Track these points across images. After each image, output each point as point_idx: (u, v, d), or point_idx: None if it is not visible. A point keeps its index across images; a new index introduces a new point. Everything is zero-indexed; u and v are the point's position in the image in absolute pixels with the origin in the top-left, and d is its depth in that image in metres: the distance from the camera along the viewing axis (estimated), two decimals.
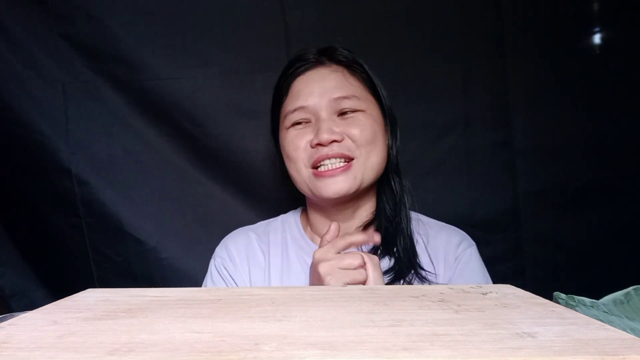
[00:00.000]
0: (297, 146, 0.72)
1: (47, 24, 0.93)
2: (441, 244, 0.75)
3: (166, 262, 0.96)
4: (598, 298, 0.52)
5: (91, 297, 0.46)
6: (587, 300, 0.51)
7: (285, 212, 0.86)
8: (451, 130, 0.98)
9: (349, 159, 0.71)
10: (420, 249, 0.74)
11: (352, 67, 0.75)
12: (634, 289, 0.53)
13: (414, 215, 0.78)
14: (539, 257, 0.99)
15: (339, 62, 0.75)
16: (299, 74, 0.75)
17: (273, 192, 0.98)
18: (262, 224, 0.84)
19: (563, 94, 0.97)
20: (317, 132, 0.70)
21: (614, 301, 0.52)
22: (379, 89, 0.76)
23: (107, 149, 0.96)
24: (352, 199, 0.74)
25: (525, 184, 0.98)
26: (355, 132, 0.71)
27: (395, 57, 0.96)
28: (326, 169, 0.71)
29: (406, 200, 0.75)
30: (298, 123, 0.73)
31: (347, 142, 0.71)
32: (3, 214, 1.02)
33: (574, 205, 0.99)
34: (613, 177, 0.98)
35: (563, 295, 0.51)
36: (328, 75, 0.73)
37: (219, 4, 0.95)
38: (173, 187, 0.98)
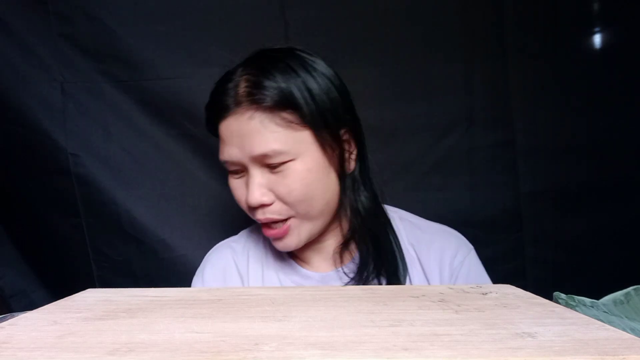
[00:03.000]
0: (239, 200, 0.68)
1: (47, 24, 0.93)
2: (435, 260, 0.70)
3: (166, 262, 0.96)
4: (598, 298, 0.52)
5: (91, 297, 0.46)
6: (587, 300, 0.51)
7: None
8: (452, 130, 0.98)
9: (287, 219, 0.66)
10: (412, 263, 0.70)
11: (273, 104, 0.62)
12: (634, 289, 0.53)
13: (405, 217, 0.75)
14: (540, 258, 0.99)
15: (256, 104, 0.62)
16: (220, 118, 0.66)
17: None
18: (244, 233, 0.80)
19: (565, 94, 0.97)
20: (247, 193, 0.65)
21: (614, 301, 0.52)
22: (310, 119, 0.63)
23: (106, 149, 0.96)
24: (319, 233, 0.70)
25: (527, 184, 0.98)
26: (284, 193, 0.64)
27: (396, 56, 0.96)
28: (268, 230, 0.67)
29: (377, 211, 0.70)
30: (234, 171, 0.68)
31: (277, 205, 0.65)
32: (3, 214, 1.02)
33: (576, 206, 0.99)
34: (615, 177, 0.98)
35: (563, 295, 0.51)
36: (245, 125, 0.63)
37: (219, 3, 0.95)
38: (173, 186, 0.98)
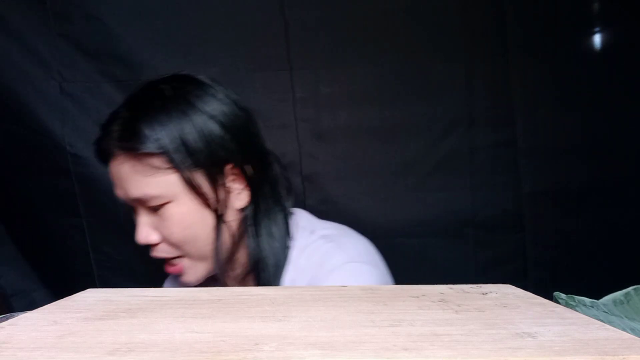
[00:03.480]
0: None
1: (46, 23, 0.93)
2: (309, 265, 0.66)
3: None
4: (598, 298, 0.52)
5: (91, 297, 0.46)
6: (587, 300, 0.51)
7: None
8: (453, 130, 0.98)
9: (175, 259, 0.66)
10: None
11: (143, 150, 0.61)
12: (634, 289, 0.53)
13: (305, 225, 0.71)
14: (541, 258, 0.99)
15: (123, 149, 0.63)
16: (104, 160, 0.67)
17: None
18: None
19: (567, 94, 0.97)
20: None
21: (614, 301, 0.52)
22: (178, 162, 0.62)
23: None
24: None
25: (528, 184, 0.98)
26: (168, 234, 0.64)
27: (397, 56, 0.96)
28: (167, 265, 0.67)
29: (277, 242, 0.68)
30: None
31: (164, 245, 0.65)
32: (3, 213, 1.02)
33: (577, 206, 0.99)
34: (616, 177, 0.98)
35: (563, 295, 0.51)
36: (120, 170, 0.63)
37: (218, 3, 0.95)
38: None
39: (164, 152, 0.62)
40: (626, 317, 0.50)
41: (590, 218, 0.98)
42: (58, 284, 1.02)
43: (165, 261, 0.68)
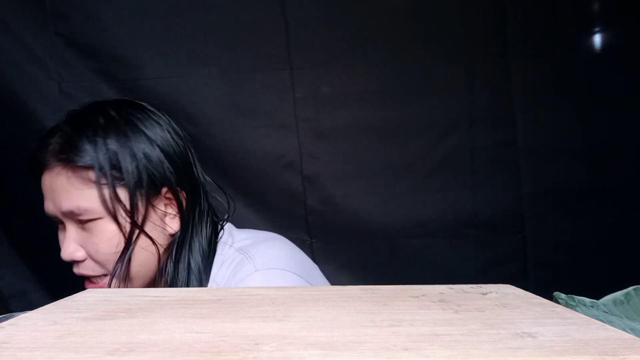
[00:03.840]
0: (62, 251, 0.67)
1: (44, 23, 0.93)
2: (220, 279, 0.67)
3: None
4: (598, 298, 0.52)
5: (91, 297, 0.46)
6: (587, 300, 0.51)
7: (283, 211, 0.86)
8: (454, 130, 0.98)
9: (98, 278, 0.66)
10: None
11: (75, 165, 0.63)
12: (634, 289, 0.53)
13: (226, 239, 0.72)
14: (541, 258, 0.99)
15: (61, 163, 0.64)
16: (38, 172, 0.67)
17: (272, 192, 0.97)
18: None
19: (567, 94, 0.97)
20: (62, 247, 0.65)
21: (614, 301, 0.52)
22: (107, 180, 0.63)
23: None
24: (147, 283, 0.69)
25: (529, 185, 0.98)
26: (93, 251, 0.64)
27: (397, 55, 0.96)
28: (88, 282, 0.67)
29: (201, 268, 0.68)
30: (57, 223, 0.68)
31: (89, 262, 0.65)
32: (2, 214, 1.02)
33: (577, 206, 0.99)
34: (616, 177, 0.98)
35: (563, 295, 0.51)
36: (53, 181, 0.64)
37: (218, 3, 0.95)
38: None
39: (100, 168, 0.63)
40: (626, 317, 0.50)
41: (590, 218, 0.98)
42: (57, 284, 1.02)
43: (86, 278, 0.67)
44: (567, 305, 0.50)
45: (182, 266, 0.67)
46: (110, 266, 0.65)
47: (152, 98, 0.94)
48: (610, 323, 0.39)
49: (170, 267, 0.67)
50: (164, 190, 0.67)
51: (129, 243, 0.64)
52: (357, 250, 0.98)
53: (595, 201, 0.98)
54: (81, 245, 0.65)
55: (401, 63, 0.96)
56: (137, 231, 0.65)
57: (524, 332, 0.32)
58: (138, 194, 0.64)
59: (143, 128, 0.66)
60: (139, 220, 0.65)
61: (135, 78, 0.94)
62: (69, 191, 0.63)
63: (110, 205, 0.64)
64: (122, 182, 0.64)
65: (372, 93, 0.96)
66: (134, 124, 0.66)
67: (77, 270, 0.66)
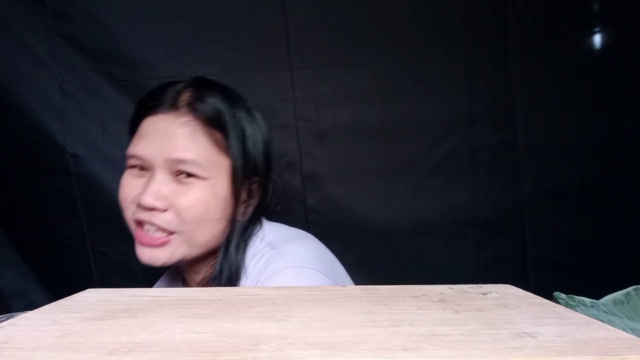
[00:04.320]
0: (126, 197, 0.66)
1: (46, 23, 0.93)
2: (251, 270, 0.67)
3: None
4: (598, 298, 0.52)
5: (91, 297, 0.46)
6: (587, 300, 0.51)
7: (283, 211, 0.85)
8: (454, 130, 0.98)
9: (170, 232, 0.64)
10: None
11: (210, 121, 0.65)
12: (634, 289, 0.53)
13: (258, 232, 0.71)
14: (541, 258, 0.99)
15: (195, 113, 0.65)
16: (149, 113, 0.66)
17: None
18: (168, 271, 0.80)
19: (567, 95, 0.97)
20: (143, 192, 0.63)
21: (614, 301, 0.52)
22: (231, 149, 0.66)
23: (106, 149, 0.96)
24: (192, 260, 0.68)
25: (529, 185, 0.98)
26: (182, 205, 0.63)
27: (397, 55, 0.96)
28: (145, 234, 0.65)
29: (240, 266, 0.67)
30: (138, 167, 0.67)
31: (169, 215, 0.63)
32: (3, 214, 1.02)
33: (577, 206, 0.99)
34: (616, 177, 0.98)
35: (563, 295, 0.51)
36: (176, 128, 0.64)
37: (218, 3, 0.95)
38: None
39: (227, 134, 0.66)
40: (626, 317, 0.50)
41: (590, 218, 0.98)
42: (57, 284, 1.02)
43: (140, 228, 0.65)
44: (567, 305, 0.50)
45: (233, 253, 0.67)
46: (189, 227, 0.64)
47: None
48: (610, 323, 0.39)
49: (223, 251, 0.68)
50: (255, 179, 0.69)
51: (218, 213, 0.65)
52: (357, 250, 0.98)
53: (595, 201, 0.98)
54: (166, 197, 0.63)
55: (401, 63, 0.96)
56: (229, 206, 0.66)
57: (524, 332, 0.33)
58: (242, 173, 0.67)
59: (255, 115, 0.70)
60: (233, 197, 0.66)
61: (136, 78, 0.94)
62: (189, 141, 0.64)
63: (218, 170, 0.65)
64: (235, 157, 0.66)
65: (372, 93, 0.96)
66: (252, 114, 0.70)
67: (150, 218, 0.64)
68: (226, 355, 0.29)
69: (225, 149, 0.66)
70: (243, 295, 0.46)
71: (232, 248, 0.67)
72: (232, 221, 0.68)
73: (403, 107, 0.97)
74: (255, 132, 0.69)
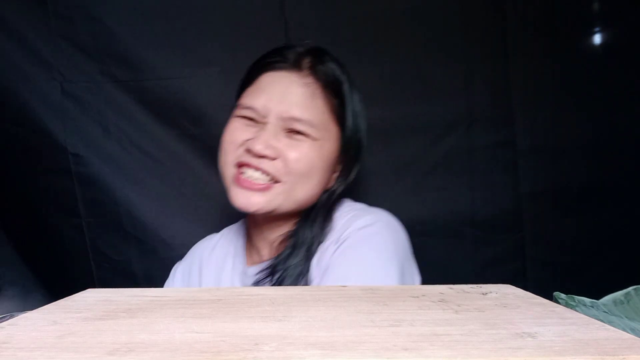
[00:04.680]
0: (233, 140, 0.67)
1: (47, 24, 0.93)
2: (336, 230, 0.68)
3: (167, 262, 0.96)
4: (598, 298, 0.52)
5: (91, 297, 0.46)
6: (587, 300, 0.51)
7: None
8: (453, 130, 0.98)
9: (273, 180, 0.66)
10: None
11: (329, 87, 0.67)
12: (634, 289, 0.53)
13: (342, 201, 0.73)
14: (540, 258, 0.99)
15: (316, 76, 0.67)
16: (270, 68, 0.68)
17: None
18: (224, 231, 0.82)
19: (566, 95, 0.97)
20: (254, 138, 0.65)
21: (614, 301, 0.52)
22: (347, 119, 0.69)
23: (107, 149, 0.96)
24: (282, 215, 0.69)
25: (528, 185, 0.98)
26: (291, 157, 0.65)
27: (396, 55, 0.96)
28: (246, 178, 0.66)
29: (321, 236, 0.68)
30: (246, 117, 0.68)
31: (278, 163, 0.65)
32: (3, 214, 1.02)
33: (576, 206, 0.99)
34: (615, 177, 0.98)
35: (563, 295, 0.51)
36: (297, 87, 0.66)
37: (219, 3, 0.95)
38: (174, 186, 0.98)
39: (342, 101, 0.69)
40: (626, 317, 0.50)
41: (590, 218, 0.98)
42: (57, 284, 1.02)
43: (241, 173, 0.66)
44: (567, 305, 0.50)
45: (318, 220, 0.69)
46: (291, 178, 0.66)
47: (153, 98, 0.95)
48: (610, 323, 0.39)
49: (305, 215, 0.69)
50: (351, 152, 0.72)
51: (321, 173, 0.68)
52: None
53: (594, 201, 0.98)
54: (276, 147, 0.65)
55: (400, 63, 0.96)
56: (328, 170, 0.69)
57: (524, 332, 0.33)
58: (349, 141, 0.70)
59: (361, 98, 0.72)
60: (334, 162, 0.69)
61: (137, 79, 0.94)
62: (309, 102, 0.66)
63: (330, 134, 0.68)
64: (344, 125, 0.69)
65: (371, 93, 0.96)
66: (356, 87, 0.72)
67: (257, 163, 0.65)
68: (226, 355, 0.29)
69: (338, 116, 0.68)
70: (243, 295, 0.46)
71: (318, 214, 0.69)
72: (325, 188, 0.70)
73: (402, 107, 0.97)
74: (363, 110, 0.72)
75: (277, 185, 0.66)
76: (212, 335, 0.33)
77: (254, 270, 0.71)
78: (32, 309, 0.41)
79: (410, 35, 0.97)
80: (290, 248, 0.68)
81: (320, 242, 0.67)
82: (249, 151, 0.65)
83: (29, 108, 0.93)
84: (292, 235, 0.69)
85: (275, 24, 0.95)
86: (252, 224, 0.74)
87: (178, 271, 0.80)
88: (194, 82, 0.95)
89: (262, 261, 0.72)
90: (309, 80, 0.67)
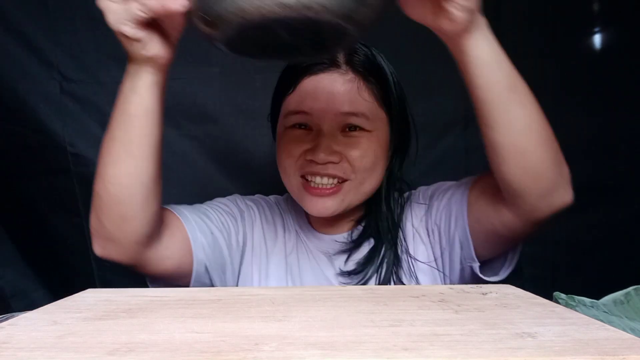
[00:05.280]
0: (291, 153, 0.68)
1: (46, 23, 0.93)
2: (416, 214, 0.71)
3: None
4: (598, 298, 0.52)
5: (91, 297, 0.46)
6: (587, 300, 0.51)
7: None
8: (450, 130, 0.98)
9: (341, 180, 0.67)
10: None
11: (370, 75, 0.68)
12: (634, 289, 0.53)
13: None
14: (538, 257, 0.99)
15: (356, 70, 0.67)
16: (310, 72, 0.68)
17: (273, 191, 0.97)
18: (276, 198, 0.82)
19: (563, 94, 0.97)
20: (315, 147, 0.65)
21: (614, 301, 0.52)
22: (394, 104, 0.69)
23: None
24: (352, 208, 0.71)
25: None
26: (355, 156, 0.66)
27: (395, 55, 0.95)
28: (315, 186, 0.66)
29: (395, 216, 0.71)
30: (298, 126, 0.68)
31: (344, 164, 0.66)
32: (3, 214, 1.02)
33: (576, 205, 0.98)
34: (613, 176, 0.98)
35: (563, 295, 0.51)
36: (341, 84, 0.66)
37: None
38: (173, 186, 0.97)
39: (385, 83, 0.69)
40: (626, 317, 0.50)
41: (589, 217, 0.98)
42: (58, 284, 1.02)
43: (308, 181, 0.67)
44: (567, 305, 0.50)
45: (389, 205, 0.72)
46: (358, 174, 0.66)
47: None
48: (610, 323, 0.39)
49: (387, 204, 0.71)
50: (402, 127, 0.72)
51: (384, 161, 0.69)
52: None
53: (594, 201, 0.98)
54: (337, 151, 0.66)
55: (397, 63, 0.96)
56: (386, 155, 0.70)
57: (524, 332, 0.33)
58: (396, 123, 0.70)
59: (390, 66, 0.73)
60: (390, 146, 0.70)
61: None
62: (356, 96, 0.66)
63: (381, 124, 0.68)
64: (391, 107, 0.70)
65: None
66: (385, 59, 0.72)
67: (323, 170, 0.66)
68: (226, 356, 0.29)
69: (384, 101, 0.69)
70: (243, 295, 0.46)
71: (387, 200, 0.71)
72: (388, 171, 0.71)
73: None
74: (398, 81, 0.72)
75: (345, 184, 0.67)
76: (212, 336, 0.33)
77: (330, 238, 0.72)
78: (32, 309, 0.41)
79: (409, 35, 0.96)
80: (371, 244, 0.70)
81: (399, 226, 0.70)
82: (311, 161, 0.66)
83: (29, 108, 0.93)
84: (365, 231, 0.71)
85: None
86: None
87: (239, 203, 0.77)
88: (194, 82, 0.95)
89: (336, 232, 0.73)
90: (350, 75, 0.67)
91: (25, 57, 0.93)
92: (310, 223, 0.74)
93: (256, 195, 0.80)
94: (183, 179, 0.98)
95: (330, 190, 0.66)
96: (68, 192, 0.95)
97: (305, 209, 0.68)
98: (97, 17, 0.96)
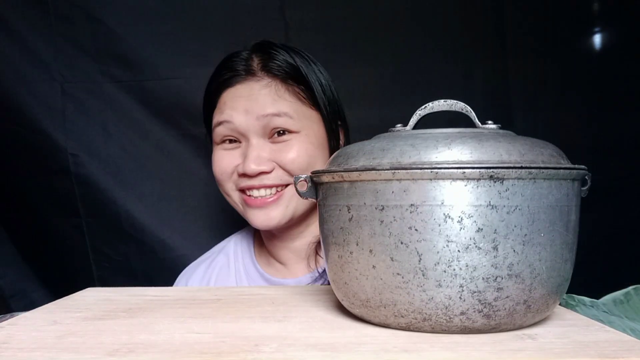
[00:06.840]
0: (224, 170, 0.67)
1: (47, 24, 0.93)
2: None
3: (166, 262, 0.96)
4: (598, 298, 0.52)
5: (91, 297, 0.46)
6: (587, 300, 0.51)
7: None
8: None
9: (282, 187, 0.65)
10: None
11: (288, 78, 0.67)
12: (634, 288, 0.53)
13: None
14: None
15: (272, 75, 0.66)
16: (228, 85, 0.68)
17: None
18: (211, 253, 0.80)
19: (564, 94, 0.97)
20: (244, 160, 0.65)
21: (614, 301, 0.52)
22: (320, 100, 0.68)
23: (106, 149, 0.96)
24: (300, 217, 0.68)
25: None
26: (287, 159, 0.65)
27: (395, 55, 0.96)
28: (254, 199, 0.66)
29: None
30: (227, 140, 0.68)
31: (278, 171, 0.65)
32: (3, 214, 1.02)
33: None
34: (614, 177, 0.98)
35: (563, 295, 0.51)
36: (258, 91, 0.66)
37: (219, 4, 0.95)
38: (173, 186, 0.97)
39: (307, 85, 0.67)
40: (626, 316, 0.50)
41: (588, 217, 0.98)
42: (57, 284, 1.02)
43: (248, 194, 0.66)
44: (567, 305, 0.50)
45: None
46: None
47: (154, 99, 0.95)
48: (610, 323, 0.39)
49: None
50: (339, 122, 0.71)
51: (320, 160, 0.67)
52: None
53: (592, 200, 0.98)
54: (268, 159, 0.65)
55: (400, 63, 0.96)
56: (325, 151, 0.68)
57: (524, 334, 0.33)
58: (329, 119, 0.68)
59: (321, 68, 0.71)
60: (327, 143, 0.68)
61: (137, 79, 0.94)
62: (276, 99, 0.65)
63: (308, 122, 0.67)
64: (320, 105, 0.68)
65: (370, 94, 0.96)
66: (314, 61, 0.70)
67: (258, 182, 0.65)
68: (226, 357, 0.29)
69: (309, 100, 0.67)
70: (243, 295, 0.46)
71: None
72: None
73: (401, 108, 0.96)
74: (327, 79, 0.70)
75: (287, 189, 0.66)
76: (212, 336, 0.33)
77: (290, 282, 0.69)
78: (32, 309, 0.41)
79: (410, 35, 0.96)
80: None
81: None
82: (244, 175, 0.65)
83: (29, 108, 0.93)
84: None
85: (275, 24, 0.95)
86: (269, 236, 0.72)
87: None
88: (194, 82, 0.94)
89: (292, 276, 0.70)
90: (266, 80, 0.66)
91: (25, 58, 0.93)
92: (261, 266, 0.73)
93: (201, 265, 0.79)
94: (182, 178, 0.98)
95: (272, 199, 0.65)
96: (67, 193, 0.95)
97: (251, 223, 0.67)
98: (97, 18, 0.96)
